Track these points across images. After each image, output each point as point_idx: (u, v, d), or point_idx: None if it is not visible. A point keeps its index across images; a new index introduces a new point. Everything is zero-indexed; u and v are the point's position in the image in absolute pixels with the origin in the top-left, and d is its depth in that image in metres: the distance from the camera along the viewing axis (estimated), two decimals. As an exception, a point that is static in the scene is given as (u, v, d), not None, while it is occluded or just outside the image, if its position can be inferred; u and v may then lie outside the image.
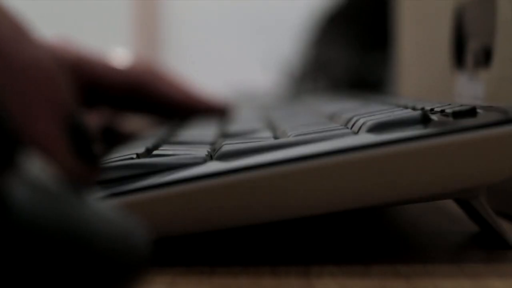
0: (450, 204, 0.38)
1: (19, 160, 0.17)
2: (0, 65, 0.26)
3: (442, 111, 0.30)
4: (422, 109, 0.33)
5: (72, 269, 0.17)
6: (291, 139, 0.28)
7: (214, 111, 0.52)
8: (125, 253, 0.18)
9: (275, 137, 0.33)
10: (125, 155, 0.30)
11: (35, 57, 0.27)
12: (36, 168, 0.18)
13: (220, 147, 0.29)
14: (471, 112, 0.28)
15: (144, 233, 0.19)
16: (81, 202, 0.18)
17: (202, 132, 0.39)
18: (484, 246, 0.29)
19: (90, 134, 0.27)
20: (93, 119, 0.54)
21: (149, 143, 0.35)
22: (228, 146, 0.29)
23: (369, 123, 0.29)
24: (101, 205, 0.18)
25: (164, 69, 0.53)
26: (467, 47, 0.42)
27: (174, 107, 0.52)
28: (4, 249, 0.16)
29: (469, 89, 0.41)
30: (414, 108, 0.34)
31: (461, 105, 0.30)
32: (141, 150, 0.32)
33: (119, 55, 0.51)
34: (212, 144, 0.34)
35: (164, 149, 0.31)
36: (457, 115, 0.28)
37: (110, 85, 0.50)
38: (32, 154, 0.26)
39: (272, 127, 0.39)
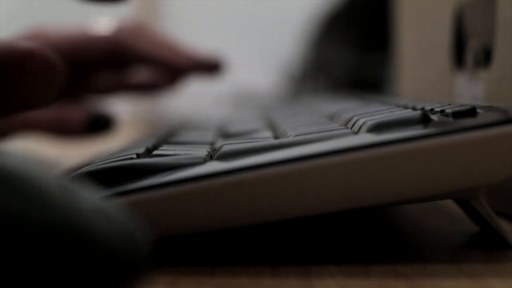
0: (450, 204, 0.38)
1: (19, 160, 0.17)
2: None
3: (442, 111, 0.30)
4: (422, 109, 0.33)
5: (72, 269, 0.17)
6: (291, 139, 0.28)
7: (205, 68, 0.51)
8: (125, 253, 0.18)
9: (275, 137, 0.33)
10: (125, 155, 0.30)
11: None
12: (35, 167, 0.18)
13: (220, 147, 0.29)
14: (471, 112, 0.28)
15: (145, 233, 0.19)
16: (81, 201, 0.18)
17: (202, 132, 0.39)
18: (484, 246, 0.29)
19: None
20: (80, 109, 0.54)
21: (149, 143, 0.35)
22: (228, 146, 0.29)
23: (369, 123, 0.29)
24: (102, 205, 0.18)
25: (155, 29, 0.52)
26: (467, 47, 0.42)
27: (163, 66, 0.51)
28: (3, 250, 0.16)
29: (469, 89, 0.41)
30: (414, 108, 0.34)
31: (461, 105, 0.30)
32: (141, 150, 0.32)
33: (103, 23, 0.51)
34: (212, 144, 0.34)
35: (164, 149, 0.31)
36: (457, 115, 0.28)
37: (90, 53, 0.50)
38: (32, 154, 0.26)
39: (272, 127, 0.39)
